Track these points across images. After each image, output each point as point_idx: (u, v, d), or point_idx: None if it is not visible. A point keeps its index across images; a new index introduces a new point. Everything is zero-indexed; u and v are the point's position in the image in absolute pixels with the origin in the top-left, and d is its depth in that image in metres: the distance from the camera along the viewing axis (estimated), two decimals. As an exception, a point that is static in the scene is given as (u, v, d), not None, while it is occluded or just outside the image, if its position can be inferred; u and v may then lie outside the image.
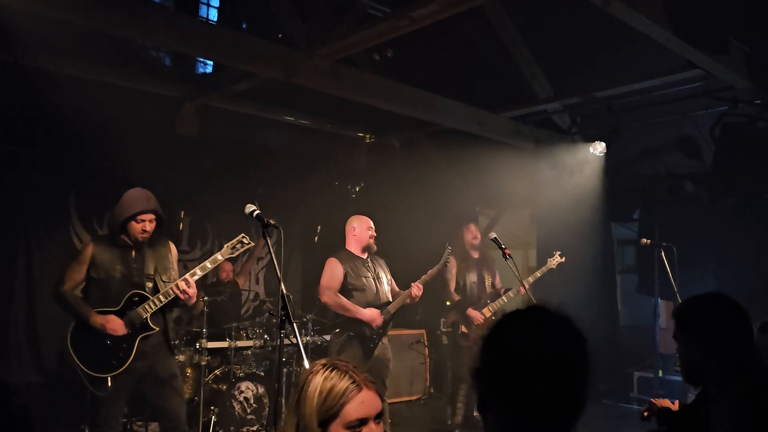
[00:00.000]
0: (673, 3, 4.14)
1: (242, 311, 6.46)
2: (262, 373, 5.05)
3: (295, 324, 2.52)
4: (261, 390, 4.86)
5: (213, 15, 6.79)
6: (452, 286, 5.25)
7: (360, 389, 1.42)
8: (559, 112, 6.38)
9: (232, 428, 4.69)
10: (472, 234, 5.38)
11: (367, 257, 4.39)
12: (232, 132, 6.24)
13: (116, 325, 3.37)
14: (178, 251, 6.15)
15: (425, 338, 6.97)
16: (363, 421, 1.40)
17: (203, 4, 6.78)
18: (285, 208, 6.49)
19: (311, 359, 2.74)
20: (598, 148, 6.25)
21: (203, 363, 4.79)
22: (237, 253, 3.67)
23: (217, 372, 4.98)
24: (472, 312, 5.14)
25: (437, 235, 7.07)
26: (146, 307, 3.46)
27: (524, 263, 8.09)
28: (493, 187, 6.88)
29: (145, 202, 3.47)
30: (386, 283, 4.43)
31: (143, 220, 3.46)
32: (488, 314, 5.14)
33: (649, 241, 4.98)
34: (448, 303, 7.15)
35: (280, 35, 5.27)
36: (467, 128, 5.95)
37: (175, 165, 5.79)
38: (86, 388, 3.36)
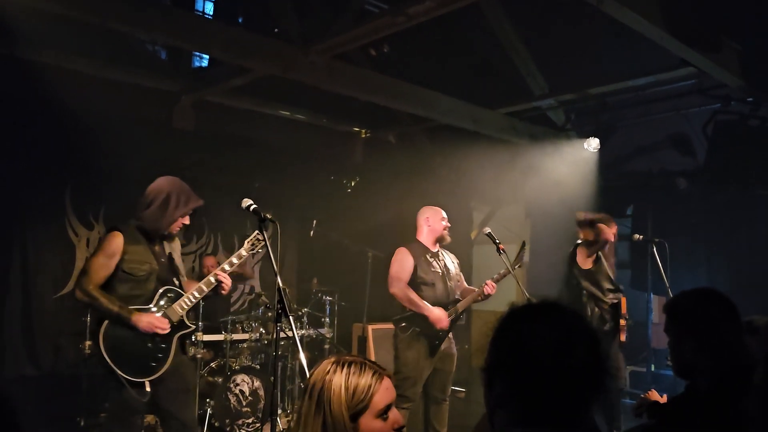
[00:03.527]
0: (666, 1, 4.18)
1: (238, 306, 6.50)
2: (258, 366, 5.08)
3: (291, 317, 2.54)
4: (256, 383, 4.89)
5: (209, 9, 6.78)
6: (576, 279, 4.73)
7: (381, 378, 1.50)
8: (554, 108, 6.41)
9: (227, 420, 4.73)
10: (613, 230, 4.80)
11: (438, 251, 4.26)
12: (228, 126, 6.25)
13: (164, 324, 3.09)
14: (174, 244, 6.26)
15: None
16: (389, 407, 1.49)
17: (199, -2, 6.77)
18: (280, 202, 6.51)
19: (307, 352, 2.77)
20: (593, 144, 6.29)
21: (199, 356, 4.82)
22: (257, 249, 3.40)
23: (212, 365, 5.01)
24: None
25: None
26: (182, 304, 3.21)
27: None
28: (487, 183, 6.91)
29: (196, 196, 3.26)
30: (455, 279, 4.27)
31: (186, 215, 3.25)
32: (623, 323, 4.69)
33: (641, 237, 5.02)
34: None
35: (276, 30, 5.28)
36: (463, 124, 5.97)
37: (172, 159, 5.79)
38: (121, 399, 3.05)
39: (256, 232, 3.35)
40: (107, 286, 3.09)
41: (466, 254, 7.57)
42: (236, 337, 5.11)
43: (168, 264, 3.29)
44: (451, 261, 4.34)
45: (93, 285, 3.03)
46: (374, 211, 5.49)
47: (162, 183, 3.24)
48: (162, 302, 3.19)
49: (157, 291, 3.18)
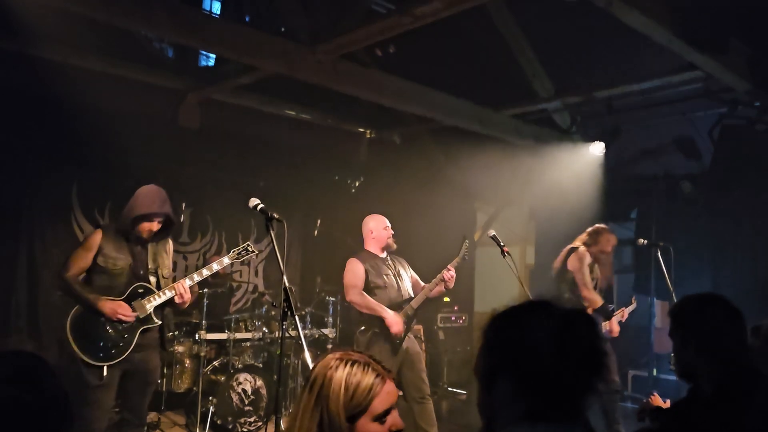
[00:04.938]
0: (674, 4, 4.17)
1: (241, 304, 6.52)
2: (260, 365, 5.09)
3: (296, 316, 2.56)
4: (259, 382, 4.90)
5: (216, 8, 6.80)
6: (591, 284, 4.70)
7: (384, 381, 1.44)
8: (560, 111, 6.41)
9: (229, 419, 4.74)
10: (612, 242, 4.91)
11: (387, 256, 4.37)
12: (233, 125, 6.26)
13: (127, 311, 3.37)
14: (179, 243, 6.29)
15: (422, 333, 7.01)
16: (388, 411, 1.44)
17: (206, -4, 6.78)
18: (285, 201, 6.52)
19: (311, 352, 2.78)
20: (598, 147, 6.28)
21: (202, 354, 4.84)
22: (241, 259, 3.71)
23: (215, 363, 5.03)
24: (614, 324, 4.66)
25: (435, 231, 7.13)
26: (151, 299, 3.48)
27: (522, 260, 8.13)
28: (492, 184, 6.91)
29: (159, 204, 3.47)
30: (408, 280, 4.39)
31: (153, 221, 3.48)
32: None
33: (645, 241, 5.01)
34: (446, 299, 7.19)
35: (283, 29, 5.29)
36: (468, 125, 5.97)
37: (177, 157, 5.81)
38: (81, 376, 3.33)
39: (247, 243, 3.72)
40: (87, 278, 3.44)
41: (468, 258, 7.57)
42: (239, 335, 5.12)
43: (147, 263, 3.55)
44: (400, 264, 4.45)
45: (69, 273, 3.36)
46: (378, 211, 5.44)
47: (137, 190, 3.52)
48: (132, 296, 3.45)
49: (131, 286, 3.45)
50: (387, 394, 1.44)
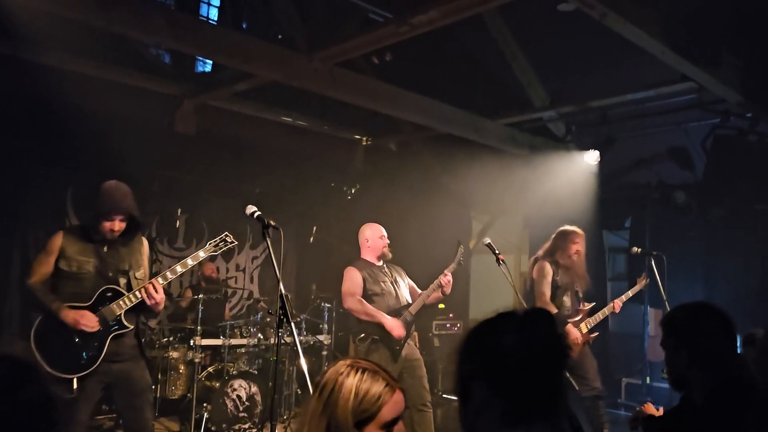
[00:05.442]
0: (667, 17, 4.22)
1: (236, 311, 6.51)
2: (255, 372, 5.08)
3: (292, 324, 2.56)
4: (254, 388, 4.90)
5: (213, 14, 6.83)
6: (548, 295, 4.65)
7: (393, 390, 1.46)
8: (555, 120, 6.45)
9: (224, 425, 4.73)
10: (578, 245, 4.80)
11: (383, 264, 4.38)
12: (230, 131, 6.27)
13: (90, 321, 3.11)
14: (174, 248, 6.28)
15: (417, 339, 7.00)
16: (395, 421, 1.45)
17: (204, 3, 6.81)
18: (281, 208, 6.53)
19: (306, 358, 2.79)
20: (592, 156, 6.32)
21: (197, 360, 4.83)
22: (219, 252, 3.50)
23: (210, 369, 5.02)
24: (572, 330, 4.58)
25: (431, 238, 7.15)
26: (120, 303, 3.21)
27: (516, 268, 8.15)
28: (487, 193, 6.93)
29: (119, 200, 3.24)
30: (405, 288, 4.39)
31: (113, 219, 3.23)
32: (585, 330, 4.66)
33: (639, 250, 5.04)
34: (441, 306, 7.19)
35: (280, 36, 5.31)
36: (464, 134, 6.01)
37: (173, 163, 5.82)
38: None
39: (225, 234, 3.47)
40: (53, 284, 3.19)
41: (464, 264, 7.59)
42: (234, 342, 5.12)
43: (116, 265, 3.30)
44: (397, 272, 4.46)
45: (32, 280, 3.16)
46: (374, 219, 5.51)
47: (101, 187, 3.31)
48: (100, 301, 3.21)
49: (98, 290, 3.21)
50: (395, 403, 1.45)
